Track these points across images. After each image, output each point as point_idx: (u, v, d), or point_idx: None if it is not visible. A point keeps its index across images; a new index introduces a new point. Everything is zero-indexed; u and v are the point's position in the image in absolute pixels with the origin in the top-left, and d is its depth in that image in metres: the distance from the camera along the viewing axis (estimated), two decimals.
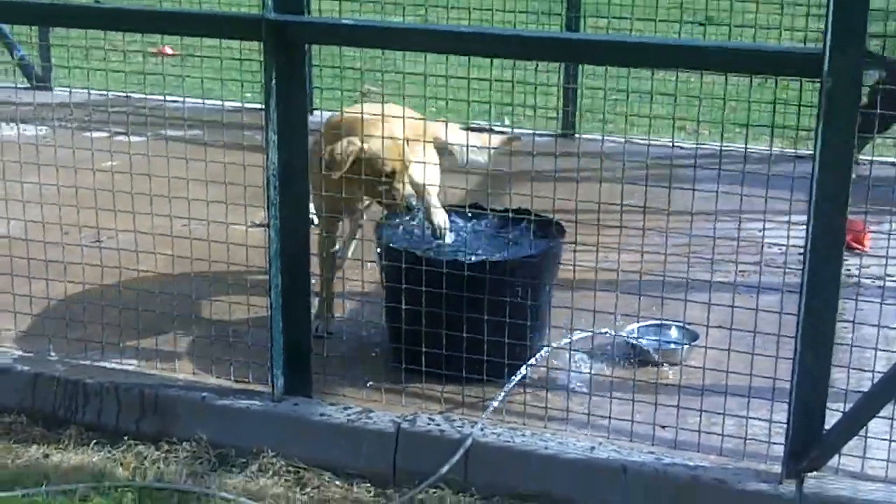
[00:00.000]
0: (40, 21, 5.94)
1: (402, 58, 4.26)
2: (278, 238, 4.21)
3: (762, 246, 5.17)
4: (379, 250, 4.78)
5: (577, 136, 7.61)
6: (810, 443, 3.80)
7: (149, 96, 7.07)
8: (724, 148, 4.06)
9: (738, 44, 3.89)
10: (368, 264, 4.87)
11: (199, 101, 5.38)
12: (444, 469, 4.05)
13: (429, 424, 4.20)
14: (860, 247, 6.09)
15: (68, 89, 5.20)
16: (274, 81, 4.04)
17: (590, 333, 4.39)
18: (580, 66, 7.47)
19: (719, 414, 4.08)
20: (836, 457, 3.85)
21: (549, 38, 4.12)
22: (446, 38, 4.10)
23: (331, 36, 4.19)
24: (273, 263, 4.22)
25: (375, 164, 4.53)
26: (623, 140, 4.13)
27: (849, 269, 5.79)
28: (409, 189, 4.61)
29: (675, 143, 4.08)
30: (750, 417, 4.04)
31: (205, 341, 4.74)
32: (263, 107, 4.07)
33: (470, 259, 4.58)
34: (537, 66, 5.91)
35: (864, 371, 4.00)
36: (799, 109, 3.73)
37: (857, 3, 3.43)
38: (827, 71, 3.48)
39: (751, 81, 3.90)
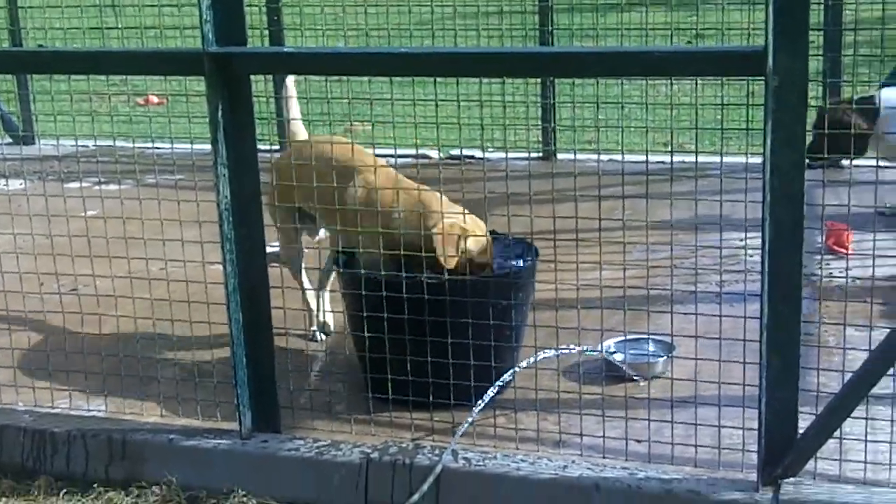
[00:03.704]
0: None
1: (390, 87, 4.18)
2: (235, 273, 4.15)
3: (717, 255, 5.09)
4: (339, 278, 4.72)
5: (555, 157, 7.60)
6: (784, 448, 3.72)
7: (122, 144, 7.02)
8: (699, 160, 3.98)
9: (679, 47, 3.81)
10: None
11: (168, 147, 5.31)
12: (415, 497, 3.97)
13: (398, 453, 4.12)
14: (842, 250, 6.03)
15: (49, 143, 5.14)
16: (220, 114, 3.99)
17: (555, 352, 4.31)
18: (554, 87, 7.47)
19: (692, 424, 4.00)
20: (813, 461, 3.77)
21: (487, 53, 4.07)
22: (390, 61, 4.05)
23: (274, 65, 4.15)
24: (231, 299, 4.16)
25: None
26: (598, 156, 4.05)
27: (831, 273, 5.73)
28: None
29: (653, 158, 4.01)
30: (723, 426, 3.96)
31: (173, 382, 4.67)
32: (211, 141, 4.02)
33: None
34: (503, 91, 5.84)
35: (833, 372, 3.91)
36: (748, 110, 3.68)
37: None
38: (772, 69, 3.41)
39: (695, 84, 3.85)
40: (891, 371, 3.64)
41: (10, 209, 4.91)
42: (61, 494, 4.30)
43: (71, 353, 4.74)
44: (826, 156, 5.26)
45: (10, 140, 8.94)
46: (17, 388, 4.73)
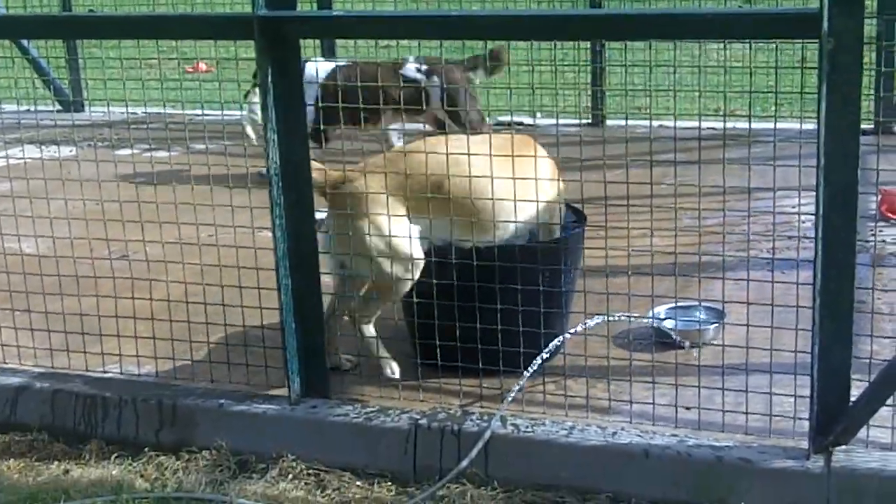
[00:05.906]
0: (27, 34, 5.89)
1: (440, 52, 4.15)
2: (284, 238, 4.16)
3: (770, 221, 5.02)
4: None
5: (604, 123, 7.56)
6: (836, 416, 3.68)
7: (172, 111, 7.04)
8: (752, 126, 3.93)
9: (733, 9, 3.76)
10: None
11: (218, 113, 5.29)
12: (464, 463, 3.97)
13: (447, 420, 4.12)
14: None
15: (99, 110, 5.13)
16: (270, 79, 3.99)
17: (604, 319, 4.28)
18: (604, 52, 7.42)
19: (743, 392, 3.96)
20: (865, 429, 3.73)
21: (538, 15, 4.02)
22: (440, 24, 4.02)
23: (324, 29, 4.14)
24: (281, 265, 4.17)
25: None
26: (650, 122, 4.01)
27: (884, 239, 5.66)
28: None
29: (704, 124, 3.95)
30: (774, 394, 3.92)
31: (222, 348, 4.69)
32: (260, 107, 4.02)
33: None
34: (553, 56, 5.80)
35: (886, 339, 3.87)
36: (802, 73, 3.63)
37: None
38: (827, 31, 3.36)
39: (751, 47, 3.79)
40: None
41: (62, 175, 4.93)
42: (112, 458, 4.33)
43: (122, 319, 4.76)
44: None
45: (60, 107, 8.99)
46: (68, 352, 4.77)
